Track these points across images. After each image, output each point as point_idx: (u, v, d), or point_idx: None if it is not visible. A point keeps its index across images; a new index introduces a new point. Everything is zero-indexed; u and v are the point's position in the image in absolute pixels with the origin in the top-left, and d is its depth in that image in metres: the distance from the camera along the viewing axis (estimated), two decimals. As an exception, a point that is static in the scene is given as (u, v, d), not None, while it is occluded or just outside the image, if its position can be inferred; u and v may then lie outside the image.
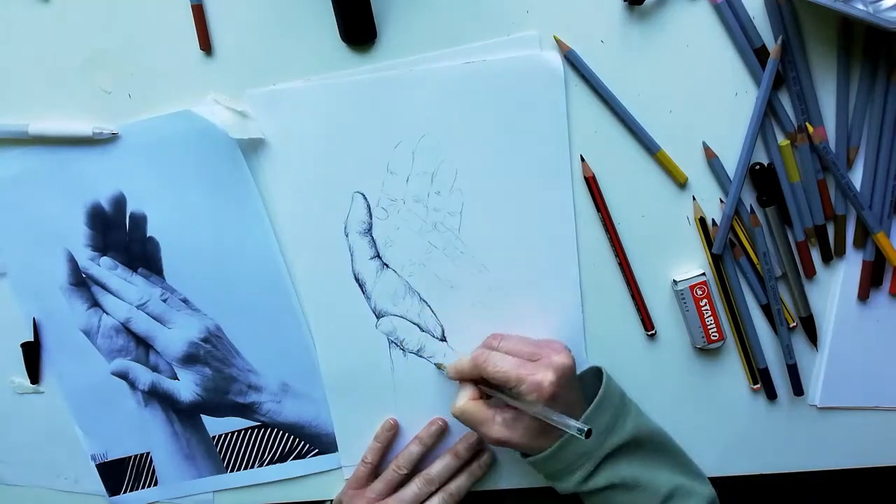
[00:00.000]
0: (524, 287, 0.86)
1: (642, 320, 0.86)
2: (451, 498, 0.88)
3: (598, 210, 0.83)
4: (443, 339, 0.88)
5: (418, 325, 0.88)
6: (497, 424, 0.78)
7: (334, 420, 0.93)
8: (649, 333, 0.86)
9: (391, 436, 0.91)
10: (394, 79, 0.81)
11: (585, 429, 0.70)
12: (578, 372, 0.83)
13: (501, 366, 0.77)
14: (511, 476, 0.93)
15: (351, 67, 0.82)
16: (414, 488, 0.87)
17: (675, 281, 0.84)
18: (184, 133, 0.84)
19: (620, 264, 0.84)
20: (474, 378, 0.81)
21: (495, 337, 0.83)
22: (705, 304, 0.83)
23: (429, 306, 0.88)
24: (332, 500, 0.95)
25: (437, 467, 0.88)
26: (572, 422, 0.72)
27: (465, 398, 0.81)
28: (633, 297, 0.85)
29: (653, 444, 0.82)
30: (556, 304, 0.86)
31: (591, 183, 0.82)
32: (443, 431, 0.91)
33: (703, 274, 0.83)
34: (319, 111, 0.83)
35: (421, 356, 0.89)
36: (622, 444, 0.78)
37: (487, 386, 0.82)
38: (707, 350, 0.86)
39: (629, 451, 0.79)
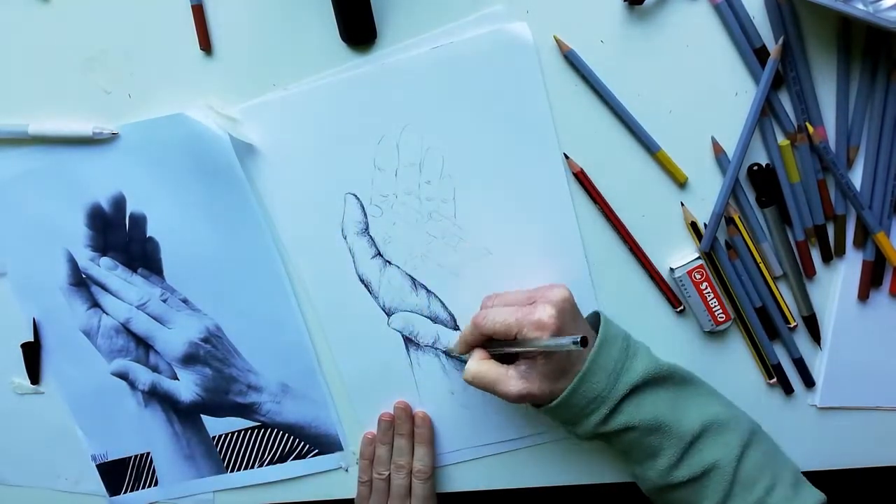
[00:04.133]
0: (529, 263, 0.85)
1: (668, 299, 0.86)
2: (422, 474, 0.90)
3: (595, 202, 0.83)
4: (455, 328, 0.88)
5: (430, 318, 0.88)
6: (513, 379, 0.76)
7: (359, 423, 0.94)
8: (678, 310, 0.86)
9: (372, 449, 0.93)
10: (366, 75, 0.81)
11: (578, 338, 0.67)
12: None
13: (499, 317, 0.76)
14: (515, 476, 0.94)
15: (352, 68, 0.82)
16: (396, 482, 0.90)
17: (672, 269, 0.84)
18: (179, 135, 0.84)
19: (632, 250, 0.84)
20: (480, 343, 0.81)
21: (490, 297, 0.84)
22: (706, 288, 0.83)
23: (437, 297, 0.88)
24: None
25: (396, 453, 0.91)
26: (565, 339, 0.69)
27: (475, 361, 0.79)
28: (653, 279, 0.85)
29: (674, 382, 0.80)
30: (564, 274, 0.85)
31: (582, 177, 0.82)
32: (392, 422, 0.92)
33: (699, 258, 0.83)
34: (299, 118, 0.83)
35: (437, 348, 0.89)
36: (636, 383, 0.76)
37: (494, 348, 0.81)
38: (716, 333, 0.86)
39: (648, 391, 0.77)
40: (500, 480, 0.94)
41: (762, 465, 0.79)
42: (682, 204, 0.82)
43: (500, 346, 0.79)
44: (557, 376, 0.76)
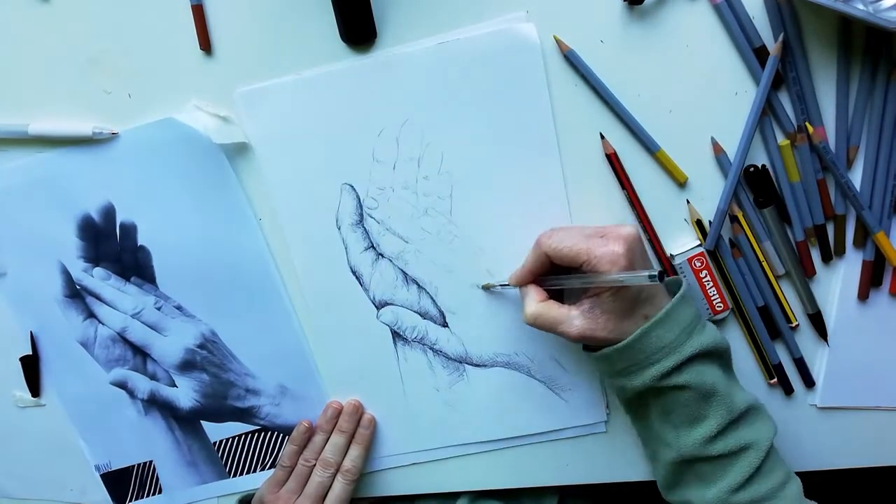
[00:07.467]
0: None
1: None
2: (349, 474, 0.90)
3: (623, 187, 0.82)
4: (444, 325, 0.88)
5: (419, 313, 0.88)
6: (576, 318, 0.74)
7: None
8: None
9: (307, 437, 0.92)
10: (369, 66, 0.81)
11: (656, 272, 0.65)
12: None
13: (567, 240, 0.74)
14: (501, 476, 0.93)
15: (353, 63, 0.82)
16: (316, 478, 0.90)
17: (672, 256, 0.84)
18: (168, 141, 0.85)
19: (651, 241, 0.84)
20: (539, 270, 0.79)
21: (551, 229, 0.79)
22: (706, 276, 0.83)
23: (427, 293, 0.87)
24: (241, 498, 0.97)
25: (329, 449, 0.91)
26: (641, 272, 0.67)
27: (534, 301, 0.78)
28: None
29: (729, 362, 0.79)
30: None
31: (613, 159, 0.81)
32: (339, 413, 0.91)
33: (700, 245, 0.83)
34: (301, 105, 0.83)
35: (425, 343, 0.89)
36: (706, 347, 0.74)
37: (551, 283, 0.79)
38: (714, 322, 0.85)
39: (711, 359, 0.75)
40: (485, 481, 0.94)
41: (780, 459, 0.79)
42: (688, 201, 0.82)
43: (556, 280, 0.78)
44: (622, 317, 0.74)
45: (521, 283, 0.81)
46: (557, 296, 0.80)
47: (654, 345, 0.73)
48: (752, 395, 0.79)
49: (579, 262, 0.73)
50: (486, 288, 0.86)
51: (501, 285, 0.85)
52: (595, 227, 0.77)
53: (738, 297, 0.84)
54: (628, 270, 0.71)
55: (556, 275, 0.79)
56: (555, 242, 0.75)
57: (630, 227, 0.74)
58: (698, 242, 0.83)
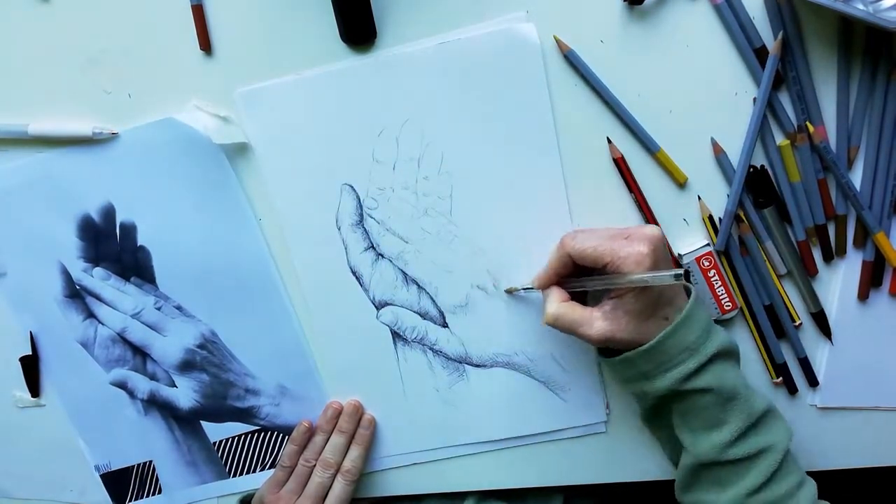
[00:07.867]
0: (521, 266, 0.85)
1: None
2: (350, 474, 0.90)
3: (630, 190, 0.82)
4: (444, 325, 0.88)
5: (419, 314, 0.88)
6: (597, 320, 0.74)
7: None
8: None
9: (307, 437, 0.92)
10: (369, 66, 0.81)
11: (681, 271, 0.65)
12: None
13: (590, 241, 0.74)
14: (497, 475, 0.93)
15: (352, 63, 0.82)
16: (316, 479, 0.89)
17: (680, 255, 0.84)
18: (168, 141, 0.84)
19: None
20: (562, 271, 0.78)
21: (574, 230, 0.79)
22: (714, 275, 0.83)
23: (427, 293, 0.87)
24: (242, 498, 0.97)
25: (329, 450, 0.90)
26: (666, 272, 0.67)
27: (556, 302, 0.77)
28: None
29: (740, 362, 0.79)
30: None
31: (621, 163, 0.81)
32: (339, 414, 0.91)
33: (708, 244, 0.83)
34: (301, 105, 0.83)
35: (425, 344, 0.89)
36: (724, 346, 0.74)
37: (572, 285, 0.79)
38: (722, 322, 0.85)
39: (729, 360, 0.76)
40: (485, 481, 0.94)
41: (796, 462, 0.78)
42: (699, 197, 0.82)
43: (579, 282, 0.78)
44: (644, 318, 0.73)
45: (545, 286, 0.80)
46: (580, 299, 0.80)
47: (677, 346, 0.73)
48: (767, 396, 0.78)
49: (603, 262, 0.73)
50: (510, 292, 0.86)
51: (525, 289, 0.85)
52: (618, 229, 0.77)
53: (747, 296, 0.84)
54: (652, 271, 0.70)
55: (578, 277, 0.79)
56: (578, 244, 0.74)
57: (654, 227, 0.74)
58: (704, 242, 0.83)
